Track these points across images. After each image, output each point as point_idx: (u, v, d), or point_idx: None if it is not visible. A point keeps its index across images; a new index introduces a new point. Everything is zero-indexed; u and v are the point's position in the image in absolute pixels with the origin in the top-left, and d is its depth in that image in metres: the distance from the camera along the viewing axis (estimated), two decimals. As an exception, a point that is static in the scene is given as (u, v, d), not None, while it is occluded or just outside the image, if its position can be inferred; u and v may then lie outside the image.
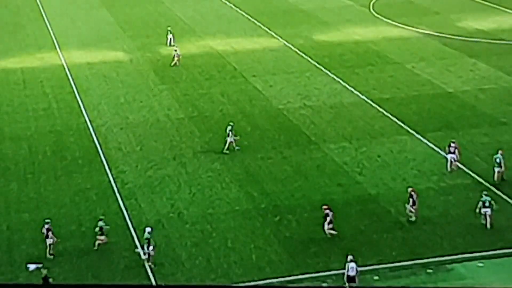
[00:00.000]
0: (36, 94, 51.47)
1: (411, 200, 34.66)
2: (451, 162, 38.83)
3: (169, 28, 61.82)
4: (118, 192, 37.78)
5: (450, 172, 38.82)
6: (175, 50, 56.54)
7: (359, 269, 30.42)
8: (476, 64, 55.42)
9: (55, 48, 61.74)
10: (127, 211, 36.05)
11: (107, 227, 33.42)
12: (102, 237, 32.93)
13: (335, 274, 30.77)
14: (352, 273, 29.93)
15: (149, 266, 31.86)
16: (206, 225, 34.64)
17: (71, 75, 54.93)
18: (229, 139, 41.56)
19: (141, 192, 37.74)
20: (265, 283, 30.77)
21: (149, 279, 31.12)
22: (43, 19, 71.32)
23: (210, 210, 35.99)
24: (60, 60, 58.68)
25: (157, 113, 47.78)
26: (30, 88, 52.79)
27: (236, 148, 41.72)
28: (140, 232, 34.14)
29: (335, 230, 33.65)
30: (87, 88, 52.28)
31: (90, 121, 46.46)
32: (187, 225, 34.68)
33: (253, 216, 35.37)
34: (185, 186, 38.32)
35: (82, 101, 49.84)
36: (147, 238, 32.04)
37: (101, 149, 42.56)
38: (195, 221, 35.02)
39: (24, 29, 67.87)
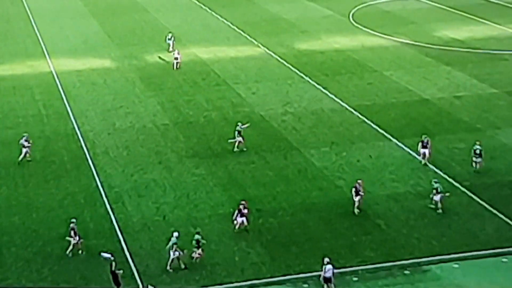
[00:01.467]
0: (26, 101, 52.34)
1: (360, 191, 36.39)
2: (423, 155, 41.22)
3: (170, 34, 63.21)
4: (105, 195, 38.47)
5: (424, 165, 40.99)
6: (178, 54, 58.55)
7: (337, 270, 30.91)
8: (451, 72, 56.79)
9: (45, 56, 62.74)
10: (114, 214, 36.65)
11: (204, 241, 32.92)
12: (199, 251, 32.50)
13: (316, 276, 31.25)
14: (328, 274, 30.54)
15: (183, 268, 32.27)
16: (190, 228, 35.10)
17: (60, 82, 55.88)
18: (237, 139, 42.93)
19: (127, 196, 38.45)
20: (247, 285, 31.27)
21: (136, 281, 31.55)
22: (33, 28, 72.30)
23: (194, 214, 36.63)
24: (49, 67, 59.67)
25: (143, 119, 48.68)
26: (20, 94, 53.67)
27: (236, 149, 42.99)
28: (126, 235, 34.86)
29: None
30: (75, 95, 53.21)
31: (78, 127, 47.29)
32: (172, 228, 34.90)
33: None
34: (170, 190, 39.09)
35: (70, 107, 50.74)
36: (174, 243, 32.19)
37: (89, 154, 43.35)
38: (180, 224, 35.54)
39: (14, 38, 68.83)
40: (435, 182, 37.06)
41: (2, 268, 32.63)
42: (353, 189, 36.74)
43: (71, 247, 33.31)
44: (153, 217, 36.48)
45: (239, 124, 43.99)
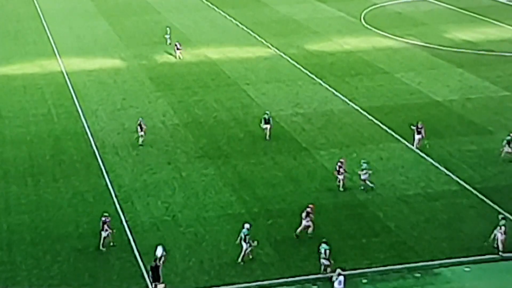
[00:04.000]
0: (36, 100, 52.63)
1: (341, 170, 38.40)
2: (418, 140, 42.99)
3: (167, 29, 64.66)
4: (115, 195, 38.57)
5: (417, 148, 42.95)
6: (180, 45, 60.30)
7: (346, 272, 30.68)
8: (463, 74, 56.71)
9: (55, 55, 63.13)
10: (123, 213, 36.74)
11: (329, 247, 31.89)
12: (327, 262, 31.81)
13: (324, 277, 31.24)
14: (339, 286, 30.15)
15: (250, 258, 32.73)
16: (199, 228, 35.29)
17: (70, 82, 56.20)
18: (265, 126, 44.44)
19: (137, 196, 38.53)
20: (256, 285, 31.25)
21: (144, 279, 31.58)
22: (43, 27, 72.78)
23: (203, 214, 36.68)
24: (59, 67, 60.00)
25: (152, 119, 48.75)
26: (30, 94, 53.98)
27: (268, 138, 44.37)
28: (135, 234, 34.89)
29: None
30: (85, 94, 53.46)
31: (88, 126, 47.47)
32: (181, 228, 35.33)
33: (245, 219, 35.65)
34: (179, 190, 39.14)
35: (80, 107, 50.96)
36: (246, 234, 32.31)
37: (99, 153, 43.46)
38: (189, 224, 35.69)
39: (25, 37, 69.29)
40: (364, 163, 38.83)
41: (12, 266, 32.76)
42: (337, 167, 38.46)
43: (102, 240, 33.71)
44: (162, 217, 36.53)
45: (267, 112, 44.95)
